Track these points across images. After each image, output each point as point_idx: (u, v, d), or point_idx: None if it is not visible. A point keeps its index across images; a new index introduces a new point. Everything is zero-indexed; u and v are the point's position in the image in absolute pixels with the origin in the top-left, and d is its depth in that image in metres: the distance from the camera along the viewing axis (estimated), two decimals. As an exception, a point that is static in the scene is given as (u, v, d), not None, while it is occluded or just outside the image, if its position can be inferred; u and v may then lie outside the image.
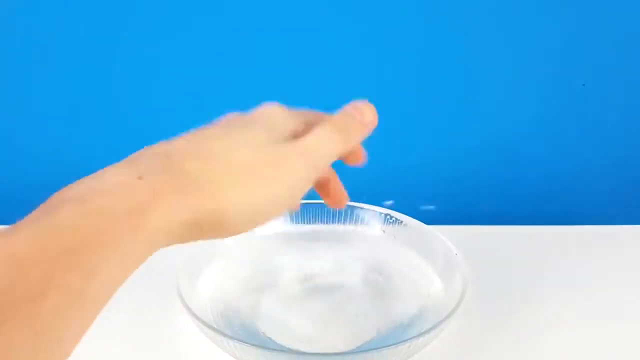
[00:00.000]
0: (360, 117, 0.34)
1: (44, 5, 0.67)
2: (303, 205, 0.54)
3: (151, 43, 0.69)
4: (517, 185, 0.72)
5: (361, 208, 0.55)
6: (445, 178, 0.68)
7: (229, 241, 0.51)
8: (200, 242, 0.29)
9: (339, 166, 0.37)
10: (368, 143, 0.37)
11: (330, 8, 0.66)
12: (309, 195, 0.34)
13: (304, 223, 0.55)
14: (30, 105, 0.71)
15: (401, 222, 0.53)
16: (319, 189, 0.37)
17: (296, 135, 0.32)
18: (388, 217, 0.54)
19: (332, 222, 0.55)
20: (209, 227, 0.28)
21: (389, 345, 0.39)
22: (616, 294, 0.51)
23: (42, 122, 0.72)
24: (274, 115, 0.34)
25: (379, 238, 0.54)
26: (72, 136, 0.72)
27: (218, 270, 0.50)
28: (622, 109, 0.69)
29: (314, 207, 0.55)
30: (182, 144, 0.31)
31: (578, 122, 0.68)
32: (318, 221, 0.55)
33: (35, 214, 0.25)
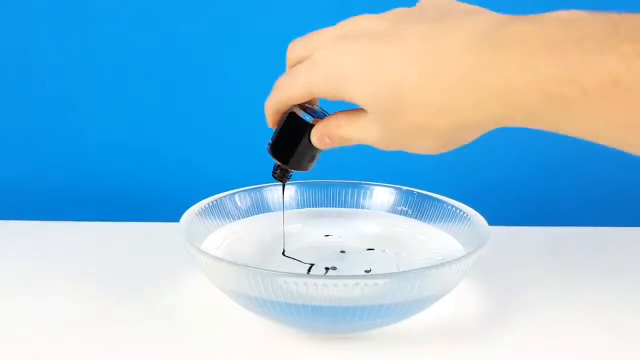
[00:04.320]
0: None
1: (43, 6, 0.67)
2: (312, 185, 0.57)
3: (151, 42, 0.68)
4: (518, 186, 0.72)
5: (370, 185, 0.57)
6: (444, 178, 0.68)
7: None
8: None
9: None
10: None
11: (330, 8, 0.66)
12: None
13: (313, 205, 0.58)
14: (30, 105, 0.71)
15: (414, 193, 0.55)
16: None
17: None
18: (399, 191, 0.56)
19: (341, 202, 0.58)
20: None
21: (420, 269, 0.39)
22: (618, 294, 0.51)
23: (42, 122, 0.71)
24: None
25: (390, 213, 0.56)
26: (72, 136, 0.72)
27: (221, 240, 0.51)
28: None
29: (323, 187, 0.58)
30: None
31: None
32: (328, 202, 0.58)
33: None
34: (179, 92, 0.70)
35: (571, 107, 0.27)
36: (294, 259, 0.50)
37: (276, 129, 0.41)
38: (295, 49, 0.37)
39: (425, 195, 0.55)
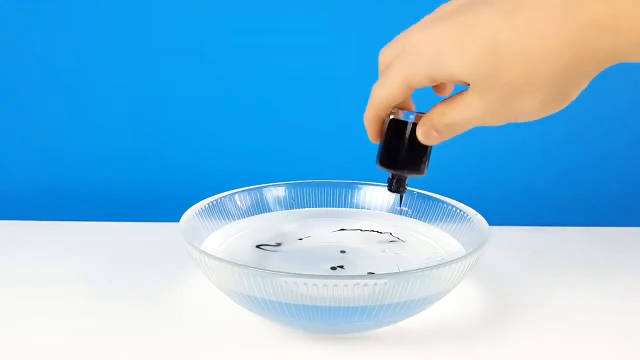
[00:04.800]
0: None
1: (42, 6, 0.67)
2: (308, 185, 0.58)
3: (152, 43, 0.68)
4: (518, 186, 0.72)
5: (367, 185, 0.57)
6: (444, 178, 0.68)
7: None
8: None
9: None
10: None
11: (331, 9, 0.66)
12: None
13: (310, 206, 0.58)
14: (30, 105, 0.71)
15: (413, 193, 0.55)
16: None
17: None
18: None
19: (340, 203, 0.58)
20: None
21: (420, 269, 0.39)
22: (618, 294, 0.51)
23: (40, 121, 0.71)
24: None
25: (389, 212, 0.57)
26: (72, 136, 0.72)
27: (221, 240, 0.52)
28: (624, 112, 0.69)
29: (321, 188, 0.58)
30: None
31: (579, 122, 0.68)
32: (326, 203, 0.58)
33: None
34: (179, 93, 0.70)
35: None
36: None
37: (381, 141, 0.40)
38: (386, 52, 0.37)
39: (425, 195, 0.55)
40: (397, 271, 0.46)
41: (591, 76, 0.31)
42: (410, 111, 0.39)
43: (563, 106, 0.33)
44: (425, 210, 0.54)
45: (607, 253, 0.60)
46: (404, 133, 0.39)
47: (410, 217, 0.55)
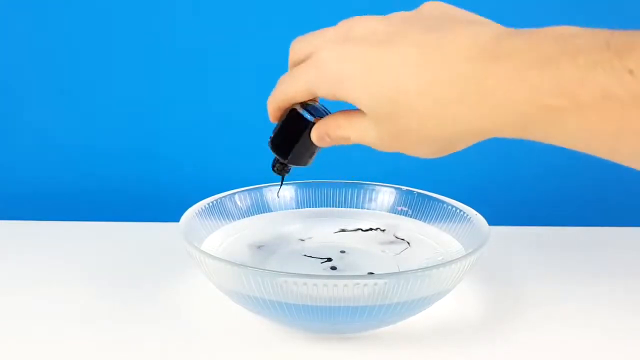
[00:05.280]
0: None
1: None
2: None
3: (151, 43, 0.68)
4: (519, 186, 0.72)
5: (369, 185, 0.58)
6: (444, 178, 0.68)
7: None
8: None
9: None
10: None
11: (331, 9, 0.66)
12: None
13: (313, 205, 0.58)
14: (30, 105, 0.71)
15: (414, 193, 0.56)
16: None
17: None
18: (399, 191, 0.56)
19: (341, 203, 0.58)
20: None
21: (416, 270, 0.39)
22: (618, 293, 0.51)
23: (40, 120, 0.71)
24: None
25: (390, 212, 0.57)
26: (72, 136, 0.72)
27: (221, 240, 0.52)
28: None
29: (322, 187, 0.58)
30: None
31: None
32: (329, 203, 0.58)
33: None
34: (179, 93, 0.70)
35: (564, 119, 0.28)
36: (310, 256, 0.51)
37: (277, 124, 0.42)
38: (297, 47, 0.37)
39: (425, 195, 0.55)
40: (397, 271, 0.46)
41: (475, 141, 0.33)
42: (313, 105, 0.40)
43: (447, 153, 0.35)
44: (425, 210, 0.54)
45: (607, 253, 0.60)
46: (300, 129, 0.41)
47: (410, 217, 0.55)
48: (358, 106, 0.34)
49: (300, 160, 0.43)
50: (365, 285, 0.38)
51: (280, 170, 0.45)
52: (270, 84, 0.71)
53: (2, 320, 0.46)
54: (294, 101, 0.39)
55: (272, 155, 0.44)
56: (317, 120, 0.40)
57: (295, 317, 0.40)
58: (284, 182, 0.52)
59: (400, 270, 0.48)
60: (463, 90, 0.30)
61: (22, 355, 0.42)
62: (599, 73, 0.26)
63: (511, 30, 0.31)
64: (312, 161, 0.43)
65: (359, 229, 0.55)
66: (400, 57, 0.32)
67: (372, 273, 0.48)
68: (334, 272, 0.48)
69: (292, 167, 0.45)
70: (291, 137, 0.41)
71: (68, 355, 0.42)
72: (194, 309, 0.48)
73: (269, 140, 0.43)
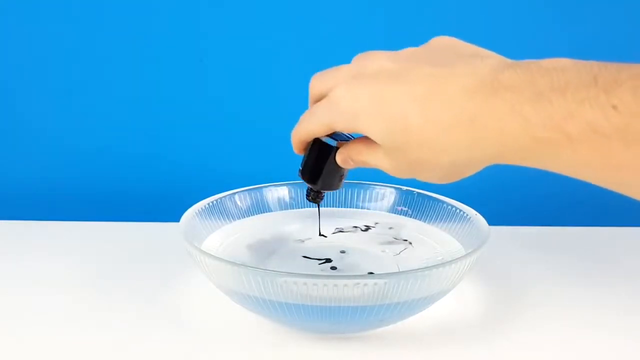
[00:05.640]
0: None
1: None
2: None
3: (151, 43, 0.68)
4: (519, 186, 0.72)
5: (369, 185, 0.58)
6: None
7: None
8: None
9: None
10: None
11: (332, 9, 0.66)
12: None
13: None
14: (30, 105, 0.71)
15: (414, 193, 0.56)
16: None
17: None
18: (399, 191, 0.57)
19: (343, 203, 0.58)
20: None
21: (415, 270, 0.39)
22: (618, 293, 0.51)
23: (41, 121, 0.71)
24: None
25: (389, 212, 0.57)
26: (72, 136, 0.72)
27: (221, 240, 0.52)
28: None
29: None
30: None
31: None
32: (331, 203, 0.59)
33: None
34: (179, 93, 0.70)
35: (557, 150, 0.30)
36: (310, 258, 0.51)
37: (305, 155, 0.44)
38: (315, 85, 0.40)
39: (425, 195, 0.55)
40: (397, 271, 0.46)
41: (481, 168, 0.36)
42: (335, 133, 0.42)
43: (458, 179, 0.37)
44: (425, 210, 0.54)
45: (607, 253, 0.60)
46: (325, 155, 0.43)
47: (410, 217, 0.55)
48: (372, 138, 0.36)
49: (331, 184, 0.45)
50: (365, 285, 0.38)
51: (315, 198, 0.47)
52: (270, 84, 0.72)
53: (2, 320, 0.46)
54: (315, 136, 0.42)
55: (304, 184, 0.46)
56: (340, 144, 0.42)
57: (295, 317, 0.40)
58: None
59: (400, 270, 0.48)
60: (464, 122, 0.33)
61: (22, 355, 0.42)
62: (586, 108, 0.28)
63: (509, 62, 0.33)
64: (342, 184, 0.46)
65: (355, 227, 0.55)
66: (407, 92, 0.34)
67: (372, 273, 0.48)
68: (334, 272, 0.48)
69: (325, 193, 0.47)
70: (318, 164, 0.44)
71: (68, 355, 0.42)
72: (194, 309, 0.48)
73: (299, 171, 0.45)
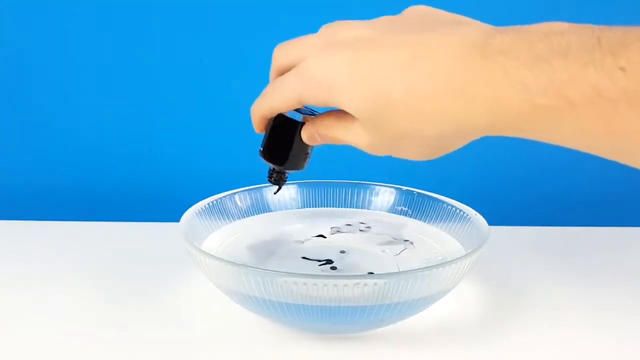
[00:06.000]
0: None
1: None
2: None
3: (151, 43, 0.68)
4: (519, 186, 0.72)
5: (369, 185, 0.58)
6: (444, 178, 0.68)
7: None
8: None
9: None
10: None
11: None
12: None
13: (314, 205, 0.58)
14: (30, 105, 0.71)
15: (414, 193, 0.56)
16: None
17: None
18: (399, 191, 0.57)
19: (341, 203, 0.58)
20: None
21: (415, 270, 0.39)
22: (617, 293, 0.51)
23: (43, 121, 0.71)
24: None
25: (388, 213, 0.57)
26: (72, 136, 0.72)
27: (221, 240, 0.52)
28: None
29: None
30: None
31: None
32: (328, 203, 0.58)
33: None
34: (179, 92, 0.70)
35: (557, 117, 0.28)
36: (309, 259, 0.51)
37: (266, 133, 0.41)
38: (281, 55, 0.37)
39: (425, 195, 0.55)
40: (397, 271, 0.46)
41: (469, 141, 0.33)
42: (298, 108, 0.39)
43: (438, 156, 0.35)
44: (425, 210, 0.54)
45: (607, 253, 0.60)
46: (290, 131, 0.40)
47: (410, 217, 0.55)
48: (349, 111, 0.34)
49: (297, 164, 0.42)
50: (365, 285, 0.38)
51: (278, 180, 0.45)
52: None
53: (2, 320, 0.46)
54: (281, 111, 0.39)
55: (267, 164, 0.43)
56: (306, 119, 0.39)
57: (295, 317, 0.40)
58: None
59: (400, 270, 0.48)
60: (451, 87, 0.30)
61: (22, 355, 0.42)
62: (590, 71, 0.26)
63: (500, 28, 0.30)
64: (307, 163, 0.43)
65: (348, 225, 0.55)
66: (388, 59, 0.32)
67: (372, 273, 0.48)
68: (334, 272, 0.48)
69: (289, 174, 0.44)
70: (283, 142, 0.41)
71: (68, 355, 0.42)
72: (194, 309, 0.48)
73: (259, 151, 0.42)
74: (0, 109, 0.71)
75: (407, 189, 0.56)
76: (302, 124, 0.40)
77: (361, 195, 0.57)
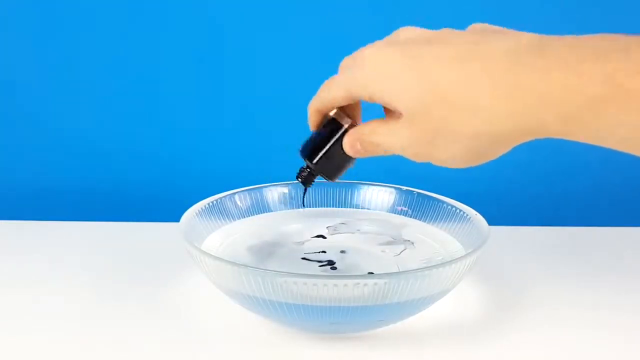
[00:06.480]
0: None
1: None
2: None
3: (151, 43, 0.68)
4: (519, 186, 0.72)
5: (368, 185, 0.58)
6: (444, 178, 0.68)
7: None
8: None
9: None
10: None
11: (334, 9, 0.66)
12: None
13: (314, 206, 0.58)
14: (30, 105, 0.71)
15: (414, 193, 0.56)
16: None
17: None
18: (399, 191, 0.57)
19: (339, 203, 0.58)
20: None
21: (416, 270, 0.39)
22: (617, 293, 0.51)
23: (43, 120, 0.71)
24: None
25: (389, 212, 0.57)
26: (72, 136, 0.72)
27: (221, 240, 0.52)
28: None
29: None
30: None
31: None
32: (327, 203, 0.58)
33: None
34: (179, 93, 0.70)
35: (610, 108, 0.27)
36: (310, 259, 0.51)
37: (313, 132, 0.42)
38: (345, 59, 0.38)
39: (425, 195, 0.55)
40: (397, 271, 0.46)
41: (511, 146, 0.32)
42: (355, 124, 0.40)
43: (477, 163, 0.34)
44: (425, 210, 0.54)
45: (607, 253, 0.60)
46: (334, 134, 0.40)
47: (410, 217, 0.55)
48: (394, 105, 0.34)
49: (329, 169, 0.42)
50: (365, 285, 0.38)
51: (305, 179, 0.44)
52: (271, 84, 0.72)
53: (2, 320, 0.46)
54: (333, 104, 0.39)
55: (301, 162, 0.43)
56: (352, 126, 0.40)
57: (295, 317, 0.40)
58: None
59: (400, 270, 0.48)
60: (503, 82, 0.30)
61: (23, 355, 0.42)
62: None
63: (554, 36, 0.30)
64: (338, 177, 0.42)
65: (342, 224, 0.55)
66: (441, 51, 0.32)
67: (372, 273, 0.48)
68: (334, 272, 0.48)
69: (317, 177, 0.43)
70: (323, 141, 0.41)
71: (68, 355, 0.42)
72: (194, 309, 0.48)
73: (300, 148, 0.42)
74: (0, 109, 0.71)
75: (407, 189, 0.56)
76: (347, 129, 0.40)
77: (361, 195, 0.57)
